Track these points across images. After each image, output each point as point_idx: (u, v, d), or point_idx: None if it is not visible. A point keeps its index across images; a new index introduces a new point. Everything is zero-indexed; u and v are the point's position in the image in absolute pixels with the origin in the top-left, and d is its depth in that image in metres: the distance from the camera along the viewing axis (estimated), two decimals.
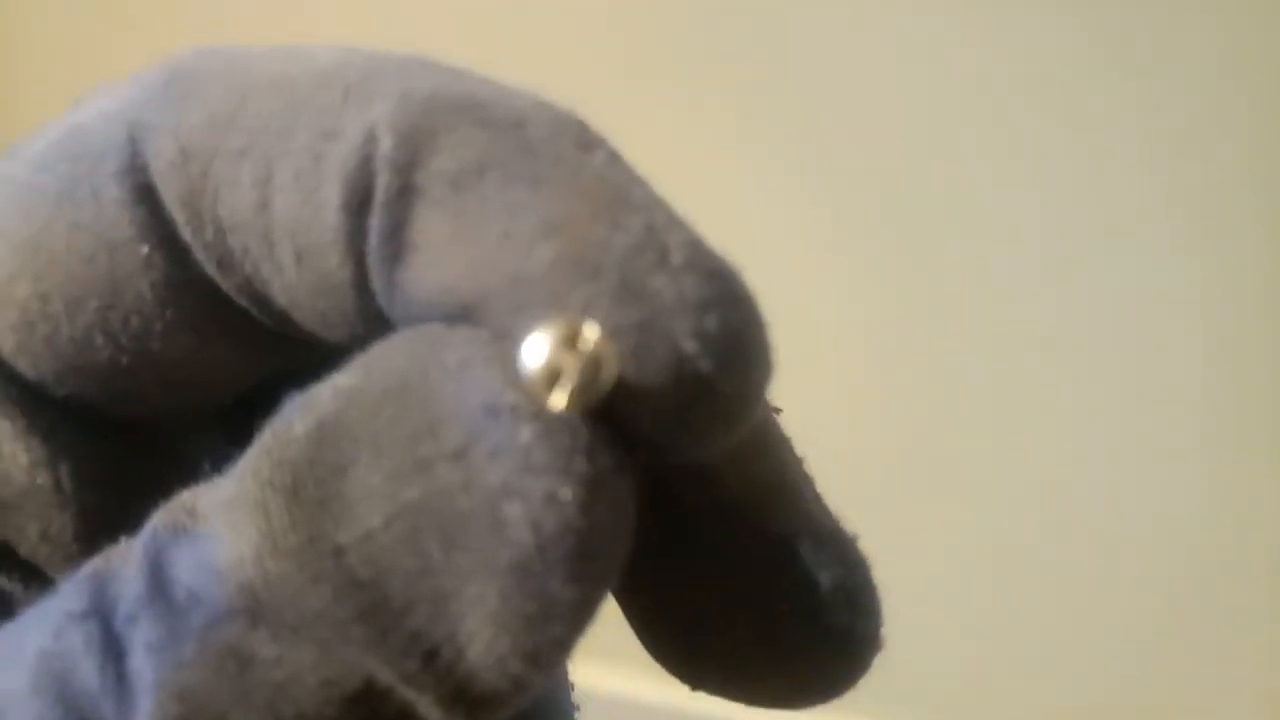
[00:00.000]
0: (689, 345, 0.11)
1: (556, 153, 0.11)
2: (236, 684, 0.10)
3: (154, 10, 0.82)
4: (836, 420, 0.69)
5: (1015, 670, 0.70)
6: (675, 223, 0.11)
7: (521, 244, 0.11)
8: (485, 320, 0.11)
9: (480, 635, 0.10)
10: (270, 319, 0.13)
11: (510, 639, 0.10)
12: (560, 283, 0.11)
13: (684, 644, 0.13)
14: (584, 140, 0.12)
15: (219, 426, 0.15)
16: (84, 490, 0.14)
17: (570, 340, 0.10)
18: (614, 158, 0.12)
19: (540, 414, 0.10)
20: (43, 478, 0.14)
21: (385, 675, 0.11)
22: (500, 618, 0.10)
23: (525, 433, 0.10)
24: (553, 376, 0.10)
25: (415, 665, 0.10)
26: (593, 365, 0.10)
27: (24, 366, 0.14)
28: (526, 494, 0.10)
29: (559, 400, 0.10)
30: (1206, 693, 0.67)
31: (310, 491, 0.11)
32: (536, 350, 0.10)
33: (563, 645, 0.11)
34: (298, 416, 0.11)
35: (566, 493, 0.10)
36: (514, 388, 0.10)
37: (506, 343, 0.11)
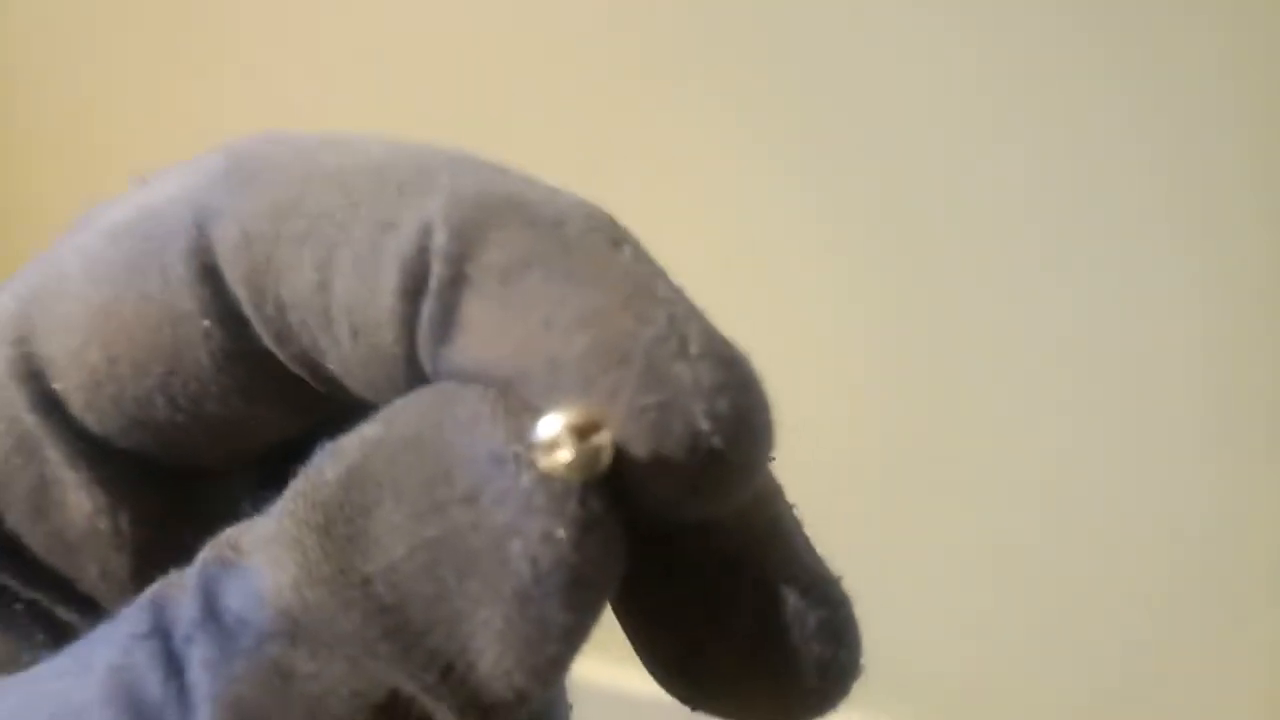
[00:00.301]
0: (704, 424, 0.12)
1: (591, 250, 0.13)
2: (280, 695, 0.12)
3: (155, 11, 0.82)
4: (836, 420, 0.69)
5: (1015, 669, 0.70)
6: (694, 314, 0.13)
7: (560, 332, 0.13)
8: (522, 393, 0.13)
9: (489, 652, 0.12)
10: (322, 385, 0.15)
11: (514, 656, 0.12)
12: (593, 368, 0.13)
13: (678, 667, 0.15)
14: (615, 237, 0.13)
15: (257, 469, 0.17)
16: (139, 532, 0.16)
17: (583, 430, 0.12)
18: (640, 253, 0.14)
19: (536, 464, 0.12)
20: (104, 523, 0.16)
21: (408, 687, 0.12)
22: (505, 638, 0.12)
23: (526, 479, 0.12)
24: (554, 449, 0.12)
25: (434, 678, 0.12)
26: (591, 454, 0.12)
27: (90, 422, 0.15)
28: (526, 533, 0.12)
29: (555, 466, 0.12)
30: (1206, 692, 0.67)
31: (340, 529, 0.13)
32: (550, 424, 0.12)
33: (560, 662, 0.12)
34: (329, 464, 0.13)
35: (560, 532, 0.12)
36: (519, 441, 0.12)
37: (521, 404, 0.13)
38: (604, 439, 0.12)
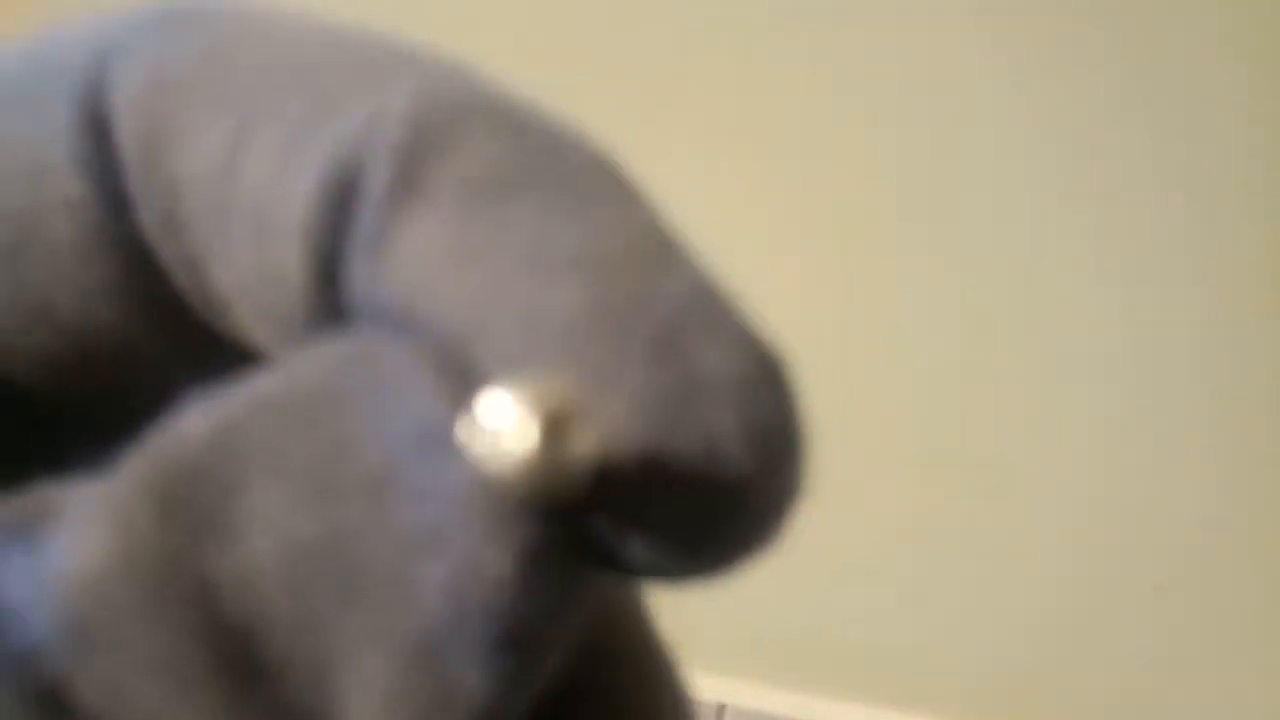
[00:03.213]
0: (727, 431, 0.09)
1: (597, 183, 0.10)
2: None
3: None
4: (835, 417, 0.69)
5: (1017, 665, 0.69)
6: (722, 291, 0.09)
7: (545, 277, 0.09)
8: (476, 354, 0.09)
9: (362, 716, 0.08)
10: (204, 306, 0.11)
11: None
12: (587, 329, 0.09)
13: None
14: (629, 182, 0.10)
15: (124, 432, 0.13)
16: None
17: (558, 418, 0.08)
18: (658, 210, 0.10)
19: (480, 456, 0.08)
20: None
21: None
22: (390, 700, 0.08)
23: (461, 474, 0.08)
24: (512, 439, 0.08)
25: None
26: (564, 454, 0.08)
27: None
28: (450, 551, 0.08)
29: (507, 464, 0.08)
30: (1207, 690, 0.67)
31: (189, 505, 0.09)
32: (509, 403, 0.08)
33: None
34: (195, 419, 0.09)
35: (501, 559, 0.08)
36: (460, 422, 0.08)
37: (468, 370, 0.09)
38: (586, 436, 0.08)
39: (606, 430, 0.08)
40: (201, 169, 0.10)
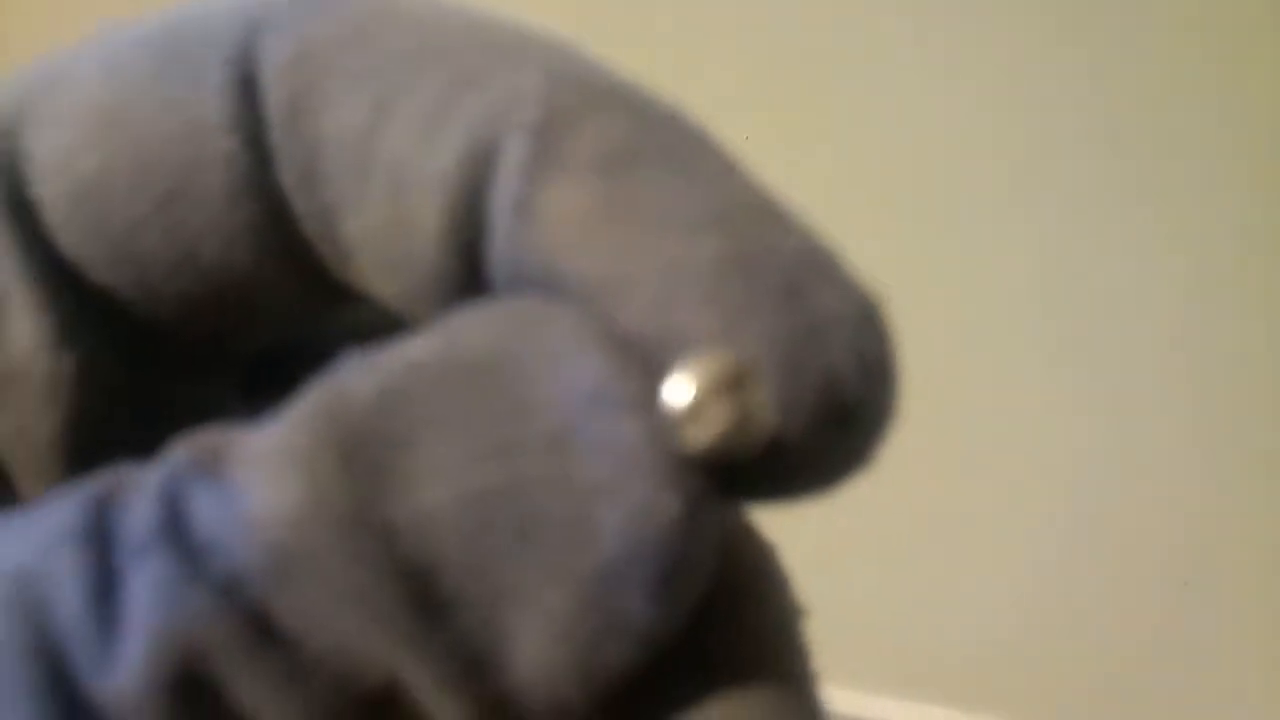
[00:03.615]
0: (844, 363, 0.10)
1: (709, 151, 0.11)
2: (242, 651, 0.09)
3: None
4: None
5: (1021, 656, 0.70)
6: (825, 241, 0.11)
7: (679, 233, 0.10)
8: (619, 306, 0.10)
9: (535, 645, 0.10)
10: (332, 255, 0.12)
11: (570, 654, 0.10)
12: (722, 277, 0.10)
13: None
14: (728, 150, 0.11)
15: (238, 384, 0.14)
16: (81, 393, 0.12)
17: (729, 383, 0.10)
18: (754, 172, 0.11)
19: (652, 412, 0.10)
20: (43, 363, 0.12)
21: (413, 675, 0.10)
22: (565, 629, 0.09)
23: (634, 429, 0.10)
24: (696, 417, 0.10)
25: (454, 670, 0.10)
26: (746, 417, 0.10)
27: (65, 241, 0.12)
28: (625, 497, 0.09)
29: (696, 440, 0.10)
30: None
31: (369, 456, 0.10)
32: (689, 373, 0.10)
33: (619, 671, 0.10)
34: (362, 378, 0.10)
35: (673, 504, 0.09)
36: (631, 381, 0.10)
37: (632, 337, 0.10)
38: (758, 397, 0.10)
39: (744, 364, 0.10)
40: (344, 132, 0.11)
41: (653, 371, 0.10)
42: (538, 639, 0.09)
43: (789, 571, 0.12)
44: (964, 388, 0.70)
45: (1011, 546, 0.70)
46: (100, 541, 0.10)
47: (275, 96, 0.12)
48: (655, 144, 0.11)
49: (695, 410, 0.10)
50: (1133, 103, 0.65)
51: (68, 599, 0.10)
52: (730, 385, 0.10)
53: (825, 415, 0.10)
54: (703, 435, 0.10)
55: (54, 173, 0.12)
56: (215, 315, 0.13)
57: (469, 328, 0.10)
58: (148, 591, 0.09)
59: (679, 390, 0.10)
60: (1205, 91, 0.64)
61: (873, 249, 0.70)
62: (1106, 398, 0.68)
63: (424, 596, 0.09)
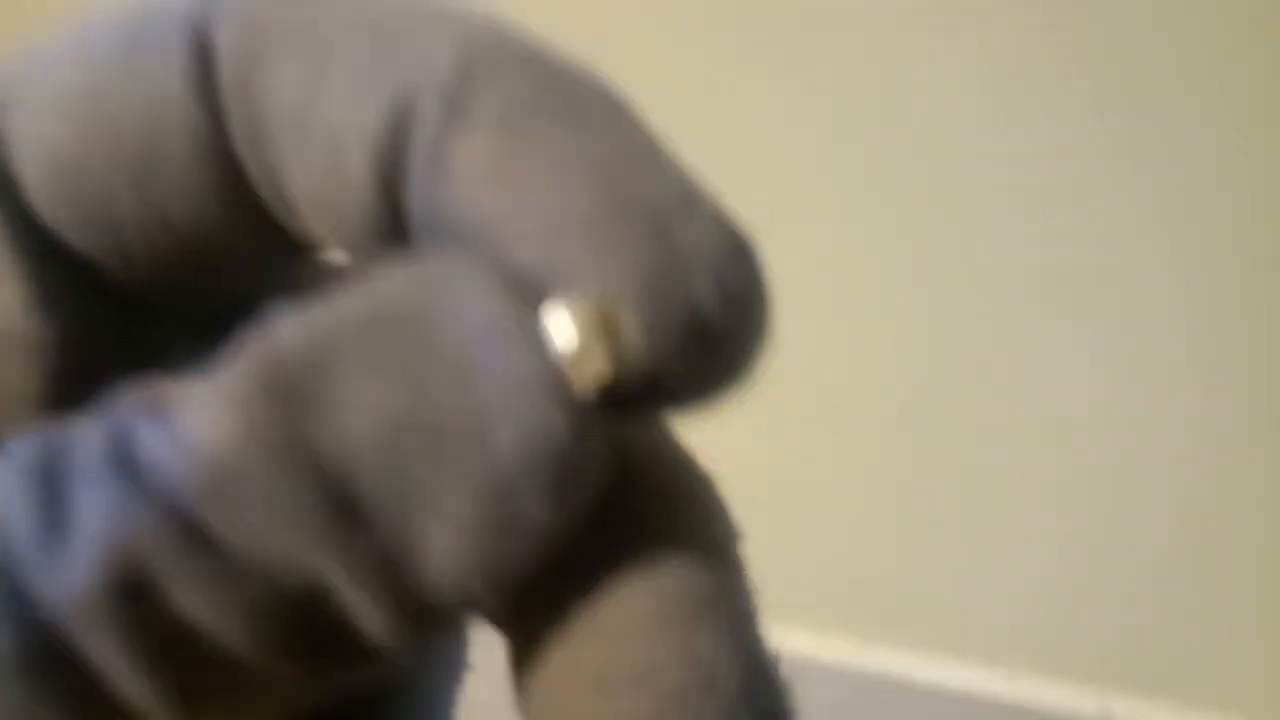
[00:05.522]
0: (706, 292, 0.11)
1: (603, 106, 0.12)
2: (183, 557, 0.11)
3: None
4: (838, 362, 0.70)
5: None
6: (699, 184, 0.12)
7: (564, 178, 0.12)
8: (512, 244, 0.12)
9: (443, 543, 0.11)
10: (283, 210, 0.14)
11: (474, 550, 0.11)
12: (596, 218, 0.11)
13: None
14: (622, 100, 0.13)
15: (205, 342, 0.15)
16: (59, 353, 0.14)
17: (604, 321, 0.11)
18: (644, 121, 0.13)
19: (539, 343, 0.11)
20: (21, 323, 0.14)
21: (335, 576, 0.11)
22: (469, 529, 0.11)
23: (525, 359, 0.11)
24: (577, 357, 0.11)
25: (370, 568, 0.11)
26: (619, 348, 0.11)
27: (45, 212, 0.14)
28: (519, 416, 0.11)
29: (580, 375, 0.11)
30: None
31: (295, 392, 0.11)
32: (564, 325, 0.11)
33: (518, 567, 0.11)
34: (292, 326, 0.11)
35: (558, 419, 0.11)
36: (518, 316, 0.11)
37: (525, 283, 0.11)
38: (630, 331, 0.11)
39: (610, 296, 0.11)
40: (285, 99, 0.13)
41: (541, 307, 0.11)
42: (446, 541, 0.11)
43: (726, 500, 0.13)
44: (998, 375, 0.70)
45: (1046, 512, 0.70)
46: (50, 471, 0.11)
47: (226, 65, 0.13)
48: (553, 100, 0.12)
49: (578, 351, 0.11)
50: (1150, 103, 0.65)
51: (18, 515, 0.11)
52: (605, 322, 0.11)
53: (689, 340, 0.11)
54: (585, 370, 0.11)
55: (33, 150, 0.14)
56: (188, 273, 0.14)
57: (388, 286, 0.12)
58: (95, 508, 0.11)
59: (562, 329, 0.11)
60: (1224, 91, 0.63)
61: (909, 248, 0.70)
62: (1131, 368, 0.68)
63: (344, 508, 0.11)
